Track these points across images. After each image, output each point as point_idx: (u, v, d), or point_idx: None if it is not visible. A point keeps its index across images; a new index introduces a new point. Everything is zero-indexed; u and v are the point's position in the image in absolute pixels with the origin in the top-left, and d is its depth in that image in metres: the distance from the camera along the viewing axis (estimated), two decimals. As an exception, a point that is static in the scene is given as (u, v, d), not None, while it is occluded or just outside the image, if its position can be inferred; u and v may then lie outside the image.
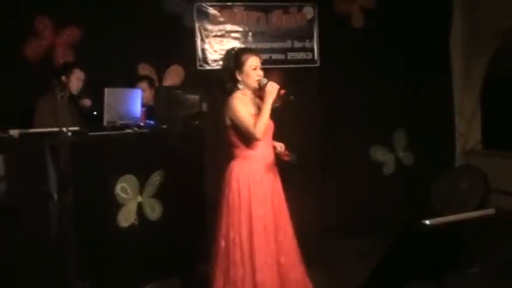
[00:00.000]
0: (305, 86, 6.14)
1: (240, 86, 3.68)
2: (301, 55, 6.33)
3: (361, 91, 6.38)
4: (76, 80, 4.92)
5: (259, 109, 3.67)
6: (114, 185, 4.12)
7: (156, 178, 4.45)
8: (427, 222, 2.64)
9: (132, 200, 4.26)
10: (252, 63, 3.67)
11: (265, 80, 3.64)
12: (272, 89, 3.58)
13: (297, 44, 6.32)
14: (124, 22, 5.66)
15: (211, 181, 5.00)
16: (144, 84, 5.39)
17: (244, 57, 3.66)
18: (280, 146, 3.77)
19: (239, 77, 3.68)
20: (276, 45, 6.27)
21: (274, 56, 6.25)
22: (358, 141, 6.35)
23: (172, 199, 4.51)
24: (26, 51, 5.40)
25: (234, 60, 3.67)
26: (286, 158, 3.69)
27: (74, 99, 4.88)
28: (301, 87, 5.94)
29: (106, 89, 4.40)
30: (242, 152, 3.67)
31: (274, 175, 3.75)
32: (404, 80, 6.41)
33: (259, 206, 3.62)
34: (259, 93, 3.71)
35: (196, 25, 6.07)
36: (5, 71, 5.23)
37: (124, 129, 4.45)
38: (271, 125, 3.74)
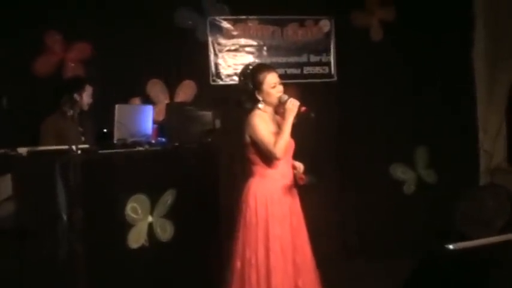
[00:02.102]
0: (322, 101, 6.11)
1: (261, 106, 3.70)
2: (317, 69, 6.34)
3: (381, 106, 6.36)
4: (88, 97, 4.95)
5: (279, 127, 3.67)
6: (124, 204, 4.11)
7: (167, 197, 4.44)
8: (451, 246, 2.58)
9: (143, 220, 4.25)
10: (272, 80, 3.68)
11: (285, 97, 3.65)
12: (292, 107, 3.59)
13: (314, 58, 6.33)
14: (135, 36, 5.69)
15: (226, 201, 5.00)
16: (137, 102, 5.41)
17: (261, 76, 3.67)
18: (299, 167, 3.76)
19: (259, 97, 3.69)
20: (291, 59, 6.28)
21: (290, 71, 6.25)
22: (377, 159, 6.32)
23: (185, 219, 4.50)
24: (35, 67, 5.44)
25: (251, 80, 3.68)
26: (301, 182, 3.69)
27: (84, 116, 4.90)
28: (318, 102, 5.88)
29: (117, 106, 4.42)
30: (261, 169, 3.68)
31: (292, 195, 3.75)
32: (426, 95, 6.39)
33: (277, 225, 3.62)
34: (279, 109, 3.72)
35: (209, 39, 6.09)
36: (13, 87, 5.27)
37: (135, 147, 4.45)
38: (291, 143, 3.74)
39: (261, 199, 3.62)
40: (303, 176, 3.71)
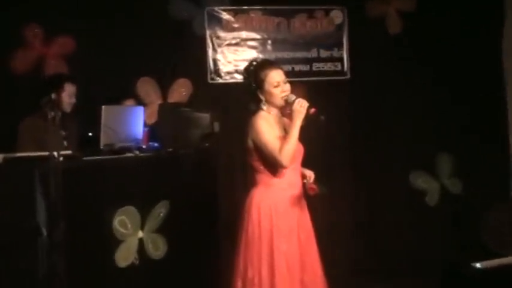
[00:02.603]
0: (333, 102, 6.12)
1: (264, 107, 3.69)
2: (328, 66, 6.34)
3: (399, 108, 6.36)
4: (68, 97, 4.94)
5: (285, 130, 3.67)
6: (111, 218, 4.09)
7: (160, 210, 4.43)
8: (478, 265, 2.56)
9: (132, 235, 4.24)
10: (274, 79, 3.67)
11: (293, 97, 3.64)
12: (300, 108, 3.58)
13: (324, 54, 6.33)
14: (123, 30, 5.70)
15: (226, 213, 4.99)
16: (129, 102, 5.41)
17: (263, 73, 3.67)
18: (310, 175, 3.75)
19: (261, 97, 3.69)
20: (299, 54, 6.29)
21: (297, 68, 6.26)
22: (396, 166, 6.32)
23: (179, 234, 4.48)
24: (13, 63, 5.45)
25: (253, 77, 3.68)
26: (311, 192, 3.67)
27: (67, 118, 4.90)
28: (329, 103, 5.91)
29: (103, 107, 4.40)
30: (265, 178, 3.67)
31: (301, 207, 3.73)
32: (450, 95, 6.37)
33: (283, 241, 3.61)
34: (285, 110, 3.71)
35: (207, 32, 6.10)
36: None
37: (124, 153, 4.44)
38: (300, 149, 3.73)
39: (265, 211, 3.62)
40: (314, 186, 3.70)
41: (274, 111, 3.73)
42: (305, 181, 3.73)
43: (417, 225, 6.29)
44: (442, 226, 6.32)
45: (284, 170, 3.65)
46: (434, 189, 6.52)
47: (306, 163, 3.87)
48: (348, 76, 6.39)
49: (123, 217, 4.18)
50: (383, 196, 6.30)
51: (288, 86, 3.70)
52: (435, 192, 6.52)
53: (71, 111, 4.99)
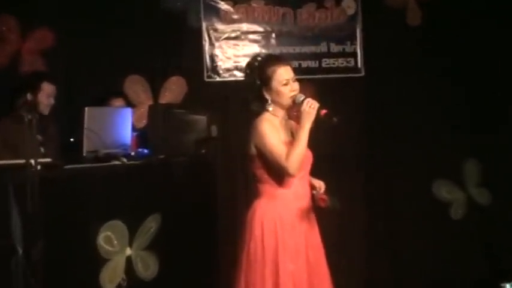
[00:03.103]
0: (346, 102, 6.11)
1: (270, 107, 3.67)
2: (340, 62, 6.33)
3: (420, 108, 6.34)
4: (46, 97, 4.93)
5: (293, 135, 3.65)
6: (96, 234, 4.08)
7: (151, 224, 4.42)
8: (508, 286, 2.55)
9: (120, 253, 4.23)
10: (282, 76, 3.66)
11: (301, 97, 3.62)
12: (310, 109, 3.56)
13: (335, 48, 6.33)
14: (109, 22, 5.70)
15: (225, 228, 4.98)
16: (118, 102, 5.40)
17: (270, 69, 3.65)
18: (320, 186, 3.73)
19: (267, 96, 3.67)
20: (306, 49, 6.29)
21: (305, 64, 6.26)
22: (416, 175, 6.30)
23: (172, 252, 4.48)
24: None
25: (258, 74, 3.66)
26: (322, 204, 3.65)
27: (44, 121, 4.89)
28: (341, 104, 5.89)
29: (86, 109, 4.40)
30: (269, 189, 3.66)
31: (310, 221, 3.72)
32: (477, 95, 6.36)
33: (289, 260, 3.60)
34: (292, 112, 3.70)
35: (204, 25, 6.10)
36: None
37: (110, 161, 4.45)
38: (309, 156, 3.71)
39: (269, 226, 3.60)
40: (325, 197, 3.68)
41: (281, 113, 3.72)
42: (314, 192, 3.72)
43: (440, 241, 6.27)
44: (468, 242, 6.29)
45: (291, 180, 3.64)
46: (459, 201, 6.50)
47: (314, 172, 3.85)
48: (362, 73, 6.38)
49: (109, 233, 4.17)
50: (402, 208, 6.29)
51: (296, 85, 3.69)
52: (461, 204, 6.49)
53: (48, 114, 4.98)
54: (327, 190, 3.75)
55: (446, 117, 6.35)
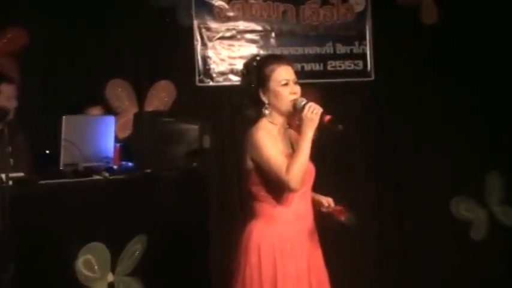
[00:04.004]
0: (353, 109, 6.12)
1: (267, 111, 3.65)
2: (347, 64, 6.35)
3: (436, 117, 6.36)
4: (7, 100, 4.91)
5: (293, 146, 3.63)
6: (74, 258, 4.07)
7: (135, 247, 4.41)
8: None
9: (100, 280, 4.21)
10: (281, 76, 3.63)
11: (303, 101, 3.59)
12: (312, 115, 3.53)
13: (342, 49, 6.35)
14: (90, 20, 5.70)
15: (218, 252, 4.96)
16: (96, 111, 5.39)
17: (268, 69, 3.63)
18: (329, 202, 3.71)
19: (264, 98, 3.64)
20: (310, 50, 6.31)
21: (308, 66, 6.28)
22: (432, 191, 6.32)
23: (160, 278, 4.46)
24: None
25: (255, 75, 3.65)
26: (342, 217, 3.63)
27: (11, 128, 4.87)
28: (349, 110, 5.92)
29: (63, 117, 4.39)
30: (267, 208, 3.63)
31: (312, 244, 3.70)
32: (499, 102, 6.37)
33: (289, 288, 3.57)
34: (293, 119, 3.67)
35: (195, 23, 6.10)
36: None
37: (90, 176, 4.43)
38: (310, 170, 3.69)
39: (267, 252, 3.57)
40: (342, 208, 3.66)
41: (279, 120, 3.68)
42: (324, 209, 3.69)
43: (459, 264, 6.29)
44: (490, 266, 6.31)
45: (291, 197, 3.60)
46: (480, 219, 6.52)
47: (319, 188, 3.83)
48: (372, 77, 6.40)
49: (89, 256, 4.16)
50: (416, 228, 6.30)
51: (298, 88, 3.66)
52: (482, 223, 6.51)
53: (14, 119, 4.95)
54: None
55: (465, 127, 6.37)
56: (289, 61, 3.77)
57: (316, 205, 3.73)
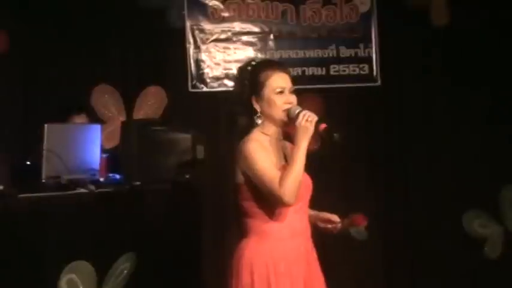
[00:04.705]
0: (358, 117, 6.12)
1: (259, 120, 3.65)
2: (351, 69, 6.36)
3: (447, 125, 6.37)
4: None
5: (287, 159, 3.63)
6: (57, 277, 4.08)
7: (123, 265, 4.42)
8: None
9: (86, 300, 4.23)
10: (277, 83, 3.62)
11: (297, 109, 3.59)
12: (306, 123, 3.53)
13: (345, 52, 6.37)
14: (75, 22, 5.73)
15: (211, 271, 4.96)
16: (80, 119, 5.39)
17: (263, 74, 3.62)
18: (333, 218, 3.69)
19: (257, 106, 3.64)
20: (311, 53, 6.32)
21: (310, 71, 6.29)
22: (443, 205, 6.31)
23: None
24: None
25: (249, 80, 3.65)
26: (362, 223, 3.62)
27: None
28: (352, 119, 5.92)
29: (46, 125, 4.41)
30: (260, 225, 3.61)
31: (310, 264, 3.67)
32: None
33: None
34: (288, 129, 3.66)
35: (188, 24, 6.12)
36: None
37: (74, 189, 4.45)
38: (307, 183, 3.67)
39: (260, 272, 3.54)
40: (359, 215, 3.66)
41: (272, 131, 3.67)
42: (329, 226, 3.68)
43: (472, 286, 6.28)
44: (506, 286, 6.28)
45: (285, 212, 3.58)
46: (496, 236, 6.51)
47: (320, 204, 3.82)
48: (378, 82, 6.41)
49: (73, 275, 4.17)
50: (426, 246, 6.30)
51: (294, 98, 3.65)
52: (498, 240, 6.51)
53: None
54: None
55: (478, 135, 6.36)
56: (286, 68, 3.74)
57: (322, 222, 3.72)
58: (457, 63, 6.34)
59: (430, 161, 6.36)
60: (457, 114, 6.36)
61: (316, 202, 3.70)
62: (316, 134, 3.52)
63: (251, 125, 3.63)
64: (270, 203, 3.55)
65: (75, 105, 5.55)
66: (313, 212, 3.76)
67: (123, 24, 5.88)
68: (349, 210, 3.92)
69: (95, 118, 5.63)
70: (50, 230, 4.13)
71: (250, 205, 3.60)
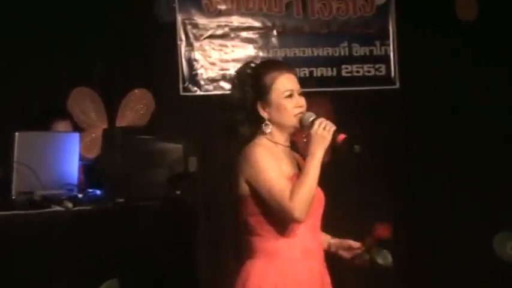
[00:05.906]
0: (375, 124, 6.12)
1: (267, 129, 3.65)
2: (366, 69, 6.38)
3: (475, 133, 6.37)
4: None
5: (299, 167, 3.62)
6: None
7: (106, 294, 4.41)
8: None
9: (63, 334, 4.22)
10: (284, 86, 3.64)
11: (311, 116, 3.60)
12: (324, 132, 3.53)
13: (359, 50, 6.38)
14: (51, 17, 5.74)
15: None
16: (64, 126, 5.38)
17: (268, 77, 3.63)
18: (355, 245, 3.69)
19: (264, 113, 3.64)
20: (320, 52, 6.33)
21: (319, 72, 6.30)
22: (471, 225, 6.33)
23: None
24: None
25: (252, 84, 3.65)
26: (386, 235, 3.62)
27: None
28: (368, 126, 5.92)
29: (16, 134, 4.41)
30: (268, 244, 3.61)
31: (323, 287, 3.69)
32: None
33: None
34: (299, 137, 3.66)
35: (179, 18, 6.13)
36: None
37: (49, 206, 4.42)
38: (320, 197, 3.68)
39: (268, 297, 3.58)
40: (383, 226, 3.65)
41: (281, 139, 3.68)
42: (353, 251, 3.69)
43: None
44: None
45: (296, 229, 3.59)
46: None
47: (336, 225, 3.82)
48: (397, 85, 6.41)
49: (48, 305, 4.16)
50: (453, 271, 6.30)
51: (303, 101, 3.67)
52: (531, 264, 6.52)
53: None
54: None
55: (509, 147, 6.36)
56: (291, 68, 3.75)
57: (344, 251, 3.72)
58: (485, 62, 6.37)
59: (456, 175, 6.37)
60: (484, 120, 6.35)
61: (329, 220, 3.70)
62: (333, 145, 3.53)
63: (256, 134, 3.63)
64: (278, 218, 3.55)
65: (56, 110, 5.54)
66: (335, 240, 3.77)
67: (106, 19, 5.87)
68: (363, 231, 3.92)
69: (72, 125, 5.60)
70: (21, 253, 4.12)
71: (256, 221, 3.60)
